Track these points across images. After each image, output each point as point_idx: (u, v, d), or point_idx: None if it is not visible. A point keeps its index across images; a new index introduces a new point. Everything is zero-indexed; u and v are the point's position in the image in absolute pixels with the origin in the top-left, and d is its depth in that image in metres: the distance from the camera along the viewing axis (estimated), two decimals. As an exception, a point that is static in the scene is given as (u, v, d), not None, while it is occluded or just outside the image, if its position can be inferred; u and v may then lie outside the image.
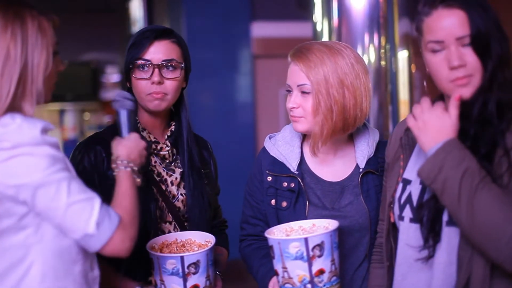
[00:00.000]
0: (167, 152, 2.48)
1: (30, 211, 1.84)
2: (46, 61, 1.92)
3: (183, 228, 2.43)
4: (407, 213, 2.02)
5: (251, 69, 7.37)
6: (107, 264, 2.19)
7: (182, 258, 2.15)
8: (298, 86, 2.24)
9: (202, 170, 2.53)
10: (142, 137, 2.30)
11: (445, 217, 1.89)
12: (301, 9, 6.96)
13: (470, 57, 1.87)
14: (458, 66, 1.87)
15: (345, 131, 2.27)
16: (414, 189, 2.01)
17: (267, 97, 7.37)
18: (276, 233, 2.18)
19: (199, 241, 2.28)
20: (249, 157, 6.86)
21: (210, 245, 2.20)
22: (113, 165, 2.10)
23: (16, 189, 1.80)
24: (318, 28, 4.07)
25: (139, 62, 2.37)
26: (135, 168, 2.10)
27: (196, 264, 2.16)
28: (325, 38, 3.98)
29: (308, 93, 2.22)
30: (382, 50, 3.85)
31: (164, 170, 2.46)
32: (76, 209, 1.83)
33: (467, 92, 1.89)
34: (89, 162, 2.35)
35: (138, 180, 2.09)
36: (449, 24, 1.88)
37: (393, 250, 2.10)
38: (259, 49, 7.37)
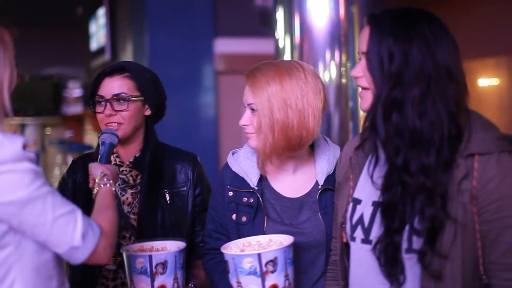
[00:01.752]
0: (125, 176, 2.62)
1: (10, 229, 1.81)
2: (10, 75, 1.90)
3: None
4: (359, 233, 2.02)
5: (214, 85, 7.39)
6: None
7: (150, 257, 2.22)
8: (248, 104, 2.30)
9: (165, 191, 2.65)
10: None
11: (404, 244, 1.89)
12: (263, 26, 7.00)
13: None
14: None
15: (290, 150, 2.29)
16: (366, 210, 2.01)
17: (230, 113, 7.39)
18: (233, 248, 2.20)
19: (173, 248, 2.34)
20: (211, 172, 6.83)
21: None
22: (97, 181, 2.19)
23: (2, 207, 1.77)
24: (281, 44, 4.10)
25: (95, 98, 2.61)
26: (112, 184, 2.18)
27: (163, 264, 2.21)
28: (287, 54, 4.02)
29: (255, 111, 2.27)
30: (343, 68, 3.89)
31: (119, 190, 2.61)
32: (61, 222, 1.82)
33: None
34: (82, 174, 2.61)
35: (116, 200, 2.19)
36: None
37: (347, 269, 2.10)
38: (222, 65, 7.39)
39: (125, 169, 2.62)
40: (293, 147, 2.28)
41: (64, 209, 1.84)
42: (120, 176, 2.60)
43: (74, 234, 1.83)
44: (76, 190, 2.60)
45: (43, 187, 1.82)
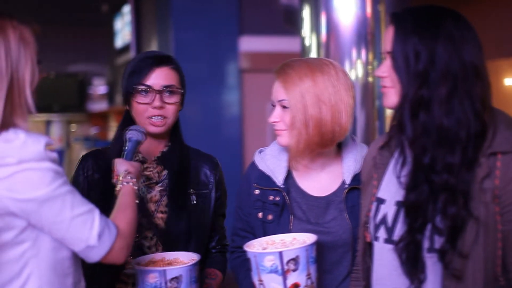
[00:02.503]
0: (150, 172, 2.53)
1: (29, 225, 1.84)
2: (32, 72, 1.90)
3: (165, 244, 2.47)
4: (382, 233, 2.01)
5: (239, 83, 7.39)
6: None
7: (164, 271, 2.18)
8: (278, 101, 2.29)
9: (192, 191, 2.57)
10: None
11: (425, 244, 1.88)
12: (288, 24, 6.98)
13: None
14: None
15: (323, 146, 2.29)
16: (389, 210, 2.00)
17: (254, 111, 7.39)
18: (256, 246, 2.20)
19: (186, 260, 2.30)
20: (236, 171, 6.86)
21: (192, 262, 2.21)
22: (120, 179, 2.17)
23: (21, 204, 1.80)
24: (307, 43, 4.08)
25: (141, 87, 2.46)
26: (136, 187, 2.17)
27: (178, 279, 2.17)
28: (313, 53, 3.99)
29: (287, 108, 2.27)
30: (370, 66, 3.87)
31: (144, 188, 2.51)
32: (79, 221, 1.85)
33: None
34: (83, 172, 2.52)
35: (138, 198, 2.17)
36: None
37: (369, 270, 2.09)
38: (247, 63, 7.39)
39: (150, 165, 2.54)
40: (326, 143, 2.27)
41: (82, 208, 1.87)
42: (145, 172, 2.53)
43: (90, 233, 1.86)
44: (91, 187, 2.49)
45: (63, 186, 1.85)
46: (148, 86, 2.45)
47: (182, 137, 2.62)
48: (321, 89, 2.23)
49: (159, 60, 2.49)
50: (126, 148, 2.33)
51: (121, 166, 2.22)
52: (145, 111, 2.47)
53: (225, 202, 2.69)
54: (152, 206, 2.51)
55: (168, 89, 2.47)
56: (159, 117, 2.47)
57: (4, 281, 1.86)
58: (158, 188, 2.53)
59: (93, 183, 2.49)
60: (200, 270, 2.39)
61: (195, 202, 2.56)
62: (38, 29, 1.97)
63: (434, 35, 1.85)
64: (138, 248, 2.44)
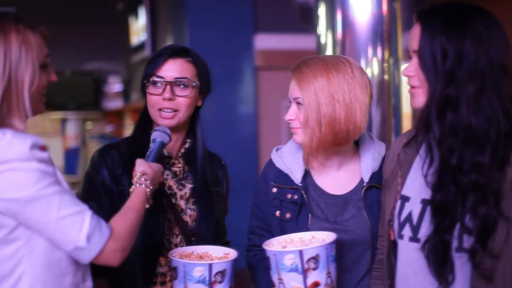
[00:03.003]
0: (178, 168, 2.52)
1: (20, 224, 1.84)
2: (32, 76, 1.90)
3: (189, 243, 2.45)
4: (407, 231, 2.00)
5: (254, 81, 7.38)
6: (103, 278, 2.32)
7: (210, 265, 2.17)
8: (294, 99, 2.29)
9: (212, 188, 2.56)
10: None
11: (454, 243, 1.86)
12: (304, 22, 6.97)
13: None
14: None
15: (337, 145, 2.28)
16: (415, 208, 1.99)
17: (270, 109, 7.38)
18: (275, 245, 2.19)
19: (216, 254, 2.30)
20: (251, 169, 6.86)
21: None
22: (135, 180, 2.15)
23: (6, 203, 1.81)
24: (322, 40, 4.07)
25: (153, 78, 2.44)
26: (150, 186, 2.15)
27: (222, 273, 2.18)
28: (329, 50, 3.98)
29: (302, 105, 2.26)
30: (385, 64, 3.86)
31: (175, 184, 2.50)
32: (66, 223, 1.83)
33: None
34: (107, 166, 2.44)
35: (150, 201, 2.14)
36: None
37: (393, 268, 2.08)
38: (262, 61, 7.38)
39: (176, 161, 2.52)
40: (340, 142, 2.26)
41: (71, 209, 1.85)
42: (173, 168, 2.51)
43: (79, 234, 1.84)
44: (115, 180, 2.42)
45: (50, 187, 1.83)
46: (160, 77, 2.43)
47: (202, 134, 2.58)
48: (335, 87, 2.22)
49: (174, 51, 2.47)
50: (149, 148, 2.31)
51: (139, 167, 2.20)
52: (156, 103, 2.44)
53: (228, 202, 2.69)
54: (182, 204, 2.50)
55: (180, 82, 2.43)
56: (169, 110, 2.43)
57: None
58: (189, 186, 2.52)
59: (116, 177, 2.44)
60: None
61: (215, 200, 2.57)
62: (46, 32, 1.97)
63: (461, 33, 1.84)
64: (166, 245, 2.43)
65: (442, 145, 1.86)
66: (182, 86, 2.44)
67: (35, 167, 1.81)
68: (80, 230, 1.84)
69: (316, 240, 2.16)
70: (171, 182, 2.49)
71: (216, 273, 2.16)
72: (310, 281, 2.04)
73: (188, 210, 2.49)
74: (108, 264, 1.92)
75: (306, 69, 2.26)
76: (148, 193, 2.13)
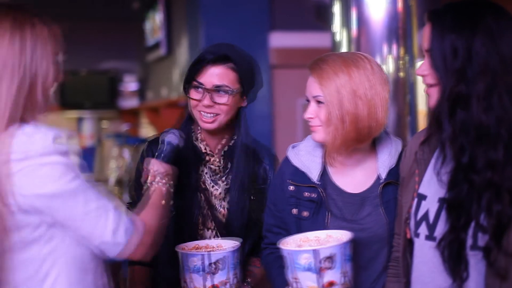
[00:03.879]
0: (217, 167, 2.57)
1: (43, 221, 1.83)
2: (47, 71, 1.90)
3: (223, 237, 2.51)
4: (423, 230, 1.99)
5: (269, 79, 7.37)
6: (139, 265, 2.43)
7: (208, 255, 2.20)
8: (313, 97, 2.27)
9: (251, 187, 2.60)
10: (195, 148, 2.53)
11: (469, 241, 1.86)
12: (319, 19, 6.96)
13: None
14: None
15: (359, 142, 2.27)
16: (431, 206, 1.99)
17: (285, 107, 7.37)
18: (290, 243, 2.18)
19: (229, 246, 2.32)
20: (266, 167, 6.84)
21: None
22: (152, 178, 2.20)
23: (31, 199, 1.80)
24: (337, 38, 4.07)
25: (193, 83, 2.50)
26: (167, 184, 2.19)
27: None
28: (344, 48, 3.98)
29: (322, 103, 2.24)
30: (401, 61, 3.84)
31: (210, 182, 2.56)
32: (92, 217, 1.84)
33: None
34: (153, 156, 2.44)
35: (170, 201, 2.19)
36: None
37: (409, 266, 2.07)
38: (277, 59, 7.37)
39: (215, 158, 2.58)
40: (362, 139, 2.26)
41: (96, 203, 1.85)
42: (211, 166, 2.56)
43: (105, 229, 1.85)
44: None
45: (74, 181, 1.83)
46: (200, 84, 2.48)
47: (247, 132, 2.63)
48: (357, 83, 2.21)
49: (215, 58, 2.49)
50: (160, 149, 2.35)
51: (152, 166, 2.24)
52: (196, 105, 2.50)
53: None
54: (215, 201, 2.55)
55: (219, 89, 2.47)
56: (210, 114, 2.49)
57: (24, 278, 1.86)
58: (223, 185, 2.57)
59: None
60: (247, 260, 2.49)
61: (253, 198, 2.60)
62: (58, 30, 1.96)
63: (472, 30, 1.83)
64: (200, 238, 2.48)
65: (454, 144, 1.85)
66: (221, 93, 2.48)
67: (58, 161, 1.81)
68: (106, 225, 1.85)
69: (332, 239, 2.16)
70: (208, 179, 2.55)
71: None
72: (325, 280, 2.04)
73: (220, 208, 2.55)
74: (135, 258, 1.96)
75: (326, 66, 2.24)
76: (164, 191, 2.15)
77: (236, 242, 2.34)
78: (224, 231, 2.53)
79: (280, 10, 7.38)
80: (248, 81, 2.56)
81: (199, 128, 2.59)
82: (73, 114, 11.30)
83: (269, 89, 7.37)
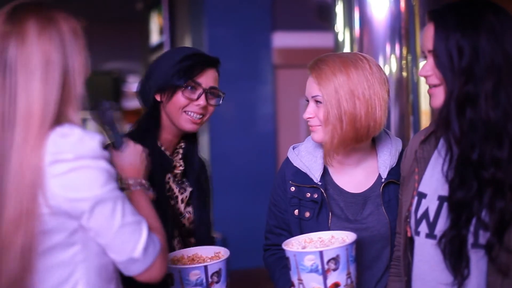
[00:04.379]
0: (179, 171, 2.52)
1: (80, 226, 1.77)
2: (84, 63, 1.86)
3: (185, 245, 2.46)
4: (423, 228, 2.00)
5: (272, 79, 7.38)
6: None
7: (205, 267, 2.15)
8: (312, 97, 2.28)
9: (206, 189, 2.60)
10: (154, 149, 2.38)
11: (470, 239, 1.86)
12: (322, 19, 6.96)
13: None
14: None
15: (358, 141, 2.27)
16: (431, 204, 1.99)
17: (288, 107, 7.37)
18: (294, 244, 2.18)
19: (206, 254, 2.29)
20: (270, 167, 6.85)
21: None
22: (124, 184, 2.05)
23: (74, 203, 1.73)
24: (340, 38, 4.06)
25: (190, 83, 2.43)
26: (143, 181, 2.06)
27: (218, 273, 2.17)
28: (347, 48, 3.98)
29: (321, 103, 2.25)
30: (404, 61, 3.84)
31: (176, 187, 2.50)
32: (127, 231, 1.77)
33: None
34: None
35: (151, 193, 2.07)
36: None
37: (410, 264, 2.08)
38: (280, 59, 7.38)
39: (177, 163, 2.52)
40: (361, 138, 2.26)
41: (132, 217, 1.79)
42: (176, 171, 2.51)
43: (136, 245, 1.78)
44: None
45: (116, 191, 1.78)
46: (198, 84, 2.44)
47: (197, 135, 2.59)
48: (355, 83, 2.22)
49: (212, 61, 2.49)
50: (112, 133, 2.20)
51: (119, 168, 2.06)
52: (186, 105, 2.43)
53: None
54: (181, 207, 2.51)
55: (213, 91, 2.47)
56: (199, 115, 2.45)
57: (53, 285, 1.79)
58: (189, 189, 2.53)
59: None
60: None
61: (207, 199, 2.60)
62: (84, 24, 1.94)
63: (476, 29, 1.84)
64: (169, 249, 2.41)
65: (463, 142, 1.85)
66: (214, 96, 2.48)
67: (104, 167, 1.76)
68: (138, 241, 1.78)
69: (335, 240, 2.16)
70: (173, 185, 2.49)
71: (213, 274, 2.15)
72: (330, 282, 2.04)
73: (186, 214, 2.51)
74: (151, 280, 1.85)
75: (324, 67, 2.25)
76: (144, 189, 2.04)
77: (214, 248, 2.31)
78: (190, 237, 2.49)
79: (283, 10, 7.39)
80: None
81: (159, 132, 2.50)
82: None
83: (272, 89, 7.37)
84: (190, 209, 2.53)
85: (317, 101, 2.27)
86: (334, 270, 2.03)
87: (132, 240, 1.78)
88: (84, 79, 1.88)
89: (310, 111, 2.29)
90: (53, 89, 1.78)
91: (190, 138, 2.57)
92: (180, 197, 2.51)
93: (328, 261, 2.02)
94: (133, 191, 2.02)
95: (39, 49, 1.78)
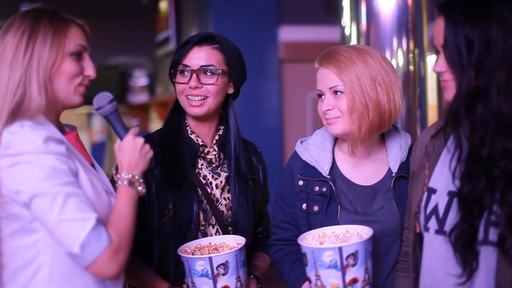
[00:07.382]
0: (213, 156, 2.50)
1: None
2: (53, 58, 1.93)
3: (226, 233, 2.45)
4: (433, 224, 1.98)
5: (278, 73, 7.36)
6: (139, 259, 2.32)
7: (210, 259, 2.16)
8: (330, 88, 2.25)
9: (248, 175, 2.55)
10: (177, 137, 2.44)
11: (480, 236, 1.85)
12: (329, 13, 6.94)
13: None
14: None
15: (381, 128, 2.27)
16: (441, 200, 1.98)
17: (294, 101, 7.36)
18: (309, 239, 2.16)
19: (232, 244, 2.29)
20: (276, 162, 6.84)
21: (239, 246, 2.20)
22: (116, 176, 2.03)
23: (18, 194, 1.83)
24: (347, 32, 4.05)
25: (179, 67, 2.45)
26: (136, 177, 2.01)
27: (225, 265, 2.16)
28: (354, 42, 3.96)
29: (342, 93, 2.23)
30: (411, 55, 3.83)
31: (210, 173, 2.49)
32: (65, 227, 1.82)
33: None
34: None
35: (140, 189, 2.01)
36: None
37: (419, 260, 2.06)
38: (287, 53, 7.36)
39: (210, 149, 2.50)
40: (384, 125, 2.27)
41: (74, 214, 1.82)
42: (208, 157, 2.49)
43: (74, 242, 1.81)
44: (149, 176, 2.28)
45: (58, 187, 1.82)
46: (186, 66, 2.43)
47: (236, 121, 2.56)
48: (375, 70, 2.22)
49: (200, 39, 2.46)
50: (113, 127, 2.15)
51: (117, 158, 2.06)
52: (183, 90, 2.45)
53: (267, 188, 2.69)
54: (217, 193, 2.48)
55: (206, 69, 2.43)
56: (198, 97, 2.43)
57: (18, 267, 1.89)
58: (224, 174, 2.51)
59: (149, 170, 2.26)
60: (249, 254, 2.40)
61: (252, 187, 2.56)
62: (86, 26, 2.03)
63: (486, 20, 1.82)
64: (202, 237, 2.41)
65: (473, 137, 1.84)
66: (208, 74, 2.43)
67: (47, 162, 1.82)
68: (76, 238, 1.81)
69: (350, 234, 2.15)
70: (206, 171, 2.48)
71: (218, 266, 2.15)
72: (348, 277, 2.03)
73: (223, 200, 2.48)
74: (102, 277, 1.89)
75: (340, 57, 2.24)
76: (131, 185, 1.99)
77: (240, 239, 2.31)
78: (228, 225, 2.47)
79: (289, 4, 7.37)
80: (235, 63, 2.51)
81: (186, 121, 2.52)
82: (83, 109, 11.32)
83: (278, 83, 7.36)
84: (228, 194, 2.51)
85: (336, 92, 2.24)
86: (353, 265, 2.03)
87: (70, 236, 1.82)
88: (57, 75, 1.95)
89: (329, 103, 2.25)
90: (9, 86, 1.89)
91: (226, 123, 2.55)
92: (214, 183, 2.48)
93: (347, 257, 2.02)
94: (119, 185, 2.00)
95: (12, 43, 1.91)
